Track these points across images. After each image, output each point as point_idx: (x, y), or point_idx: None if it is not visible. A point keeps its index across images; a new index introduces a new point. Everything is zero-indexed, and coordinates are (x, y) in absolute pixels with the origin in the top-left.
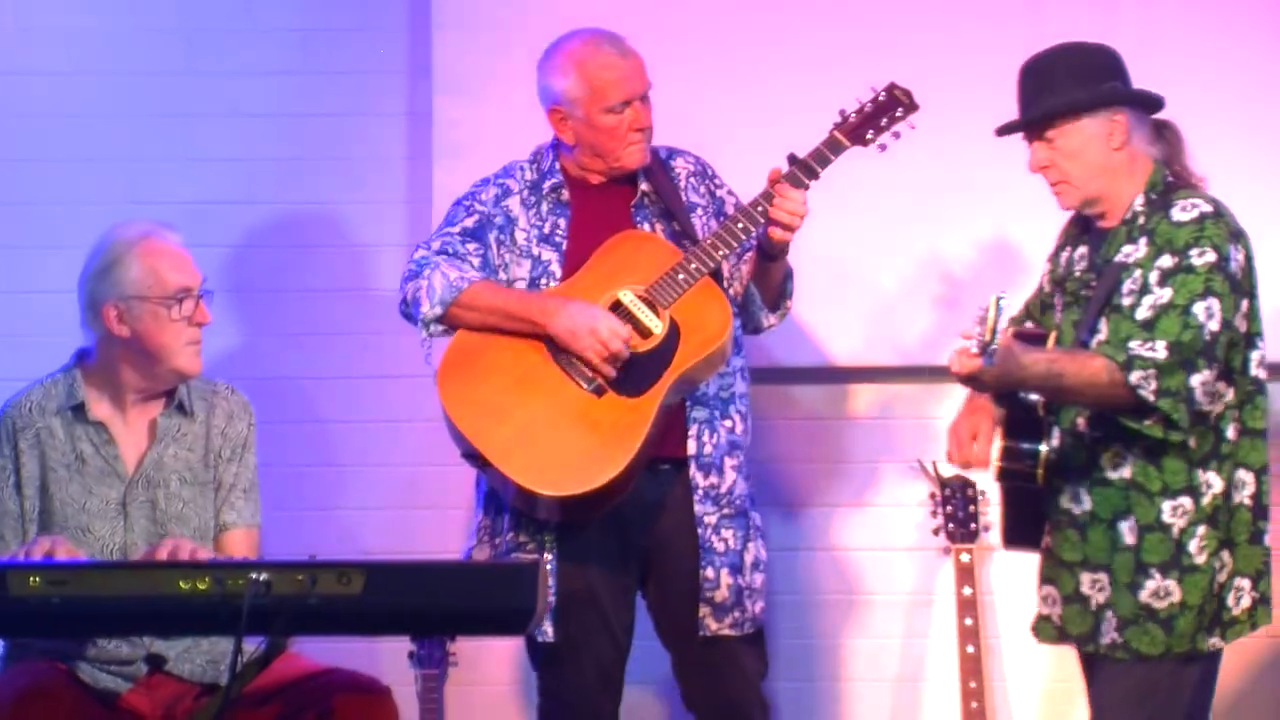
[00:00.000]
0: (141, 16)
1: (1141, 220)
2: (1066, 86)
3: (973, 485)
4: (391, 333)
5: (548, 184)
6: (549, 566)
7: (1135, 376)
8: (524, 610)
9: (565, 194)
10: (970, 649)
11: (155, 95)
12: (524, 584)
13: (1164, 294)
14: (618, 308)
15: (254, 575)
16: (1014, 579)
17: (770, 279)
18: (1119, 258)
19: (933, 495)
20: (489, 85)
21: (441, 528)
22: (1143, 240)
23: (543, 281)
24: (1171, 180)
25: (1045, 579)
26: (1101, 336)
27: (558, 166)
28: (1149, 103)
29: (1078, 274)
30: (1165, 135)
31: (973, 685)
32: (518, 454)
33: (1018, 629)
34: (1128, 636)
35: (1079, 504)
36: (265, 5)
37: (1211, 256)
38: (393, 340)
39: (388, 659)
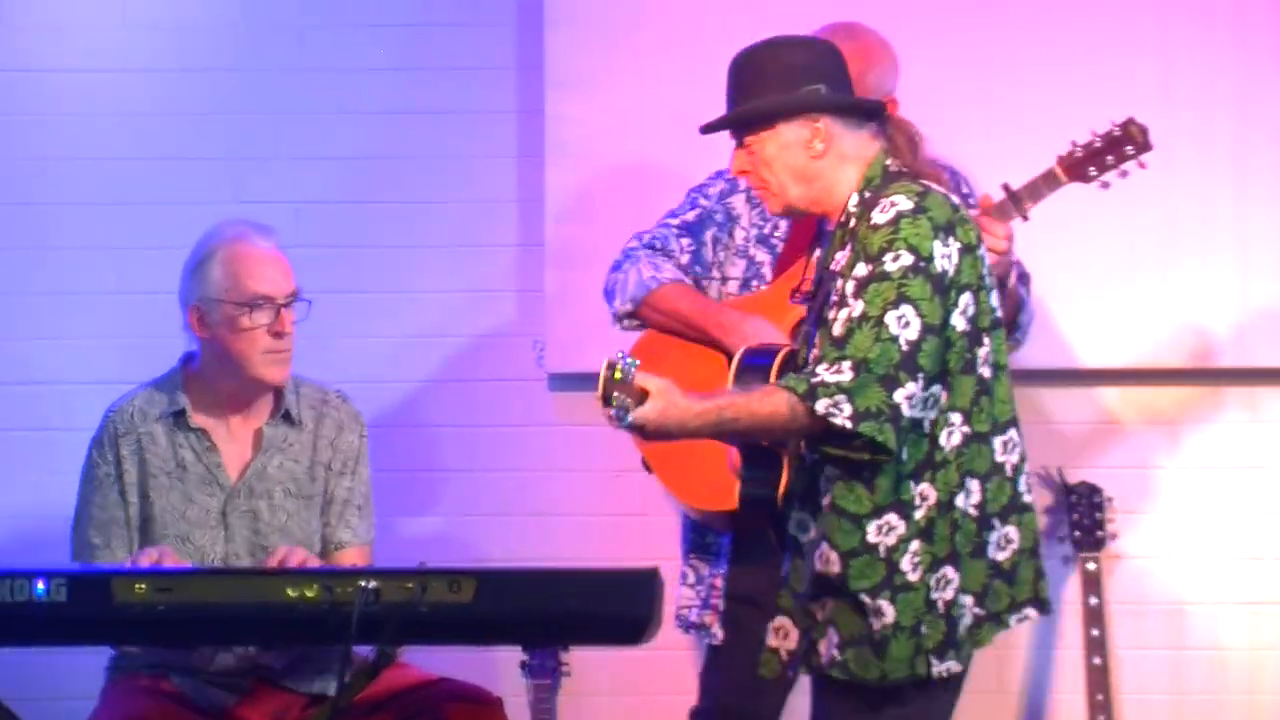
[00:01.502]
0: (248, 12)
1: (852, 223)
2: (763, 90)
3: (1099, 491)
4: (502, 335)
5: None
6: (721, 570)
7: (823, 405)
8: (641, 619)
9: None
10: (1097, 661)
11: (262, 92)
12: (641, 592)
13: (857, 306)
14: (800, 324)
15: (363, 583)
16: (1143, 588)
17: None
18: (833, 264)
19: (1059, 501)
20: (602, 81)
21: (553, 534)
22: (850, 245)
23: (754, 283)
24: (895, 172)
25: (779, 609)
26: (816, 353)
27: None
28: (858, 110)
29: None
30: (892, 134)
31: (1099, 698)
32: (678, 465)
33: (1146, 640)
34: (847, 657)
35: (804, 532)
36: (374, 1)
37: (907, 259)
38: (504, 343)
39: (499, 669)
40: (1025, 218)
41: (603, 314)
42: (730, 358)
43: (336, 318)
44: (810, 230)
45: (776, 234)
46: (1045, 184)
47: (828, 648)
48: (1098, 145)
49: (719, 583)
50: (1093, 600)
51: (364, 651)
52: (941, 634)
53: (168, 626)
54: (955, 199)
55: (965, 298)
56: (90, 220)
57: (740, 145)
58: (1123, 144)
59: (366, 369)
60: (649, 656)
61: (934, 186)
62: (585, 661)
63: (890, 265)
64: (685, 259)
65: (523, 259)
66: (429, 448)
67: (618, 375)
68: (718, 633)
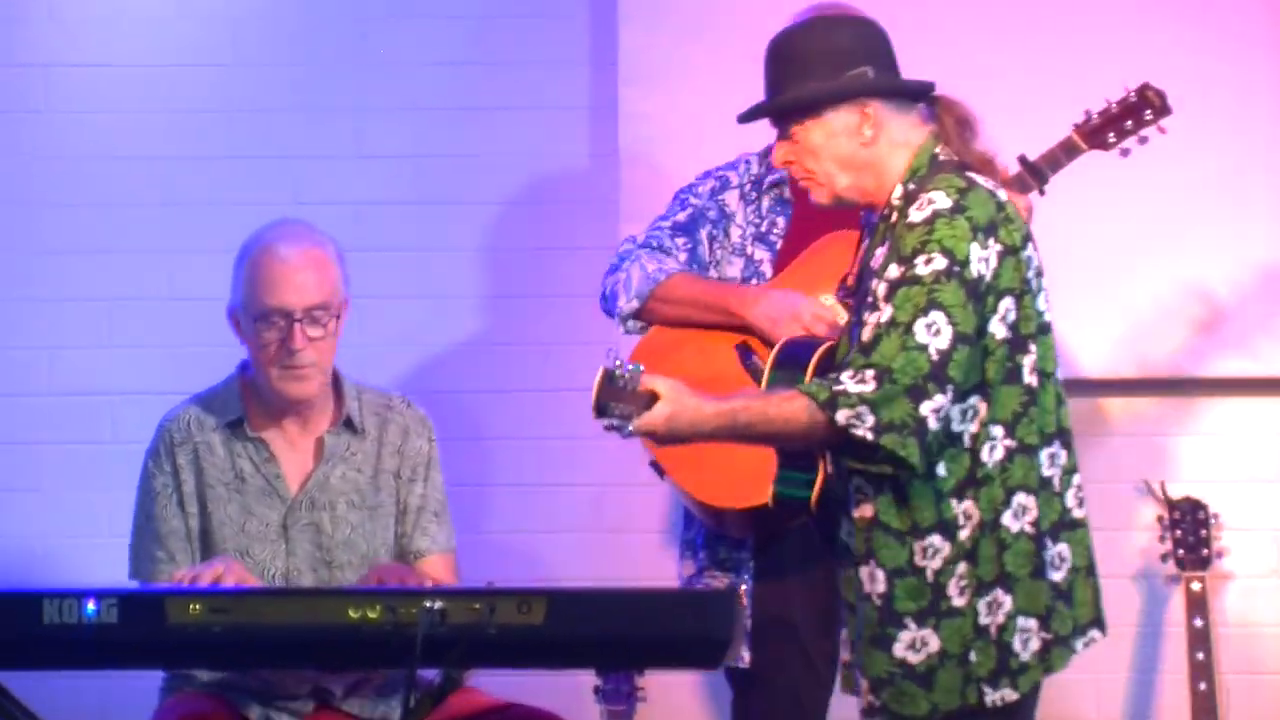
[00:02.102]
0: (308, 4)
1: (894, 217)
2: (806, 75)
3: (1204, 507)
4: (575, 342)
5: (770, 179)
6: (744, 588)
7: (843, 416)
8: (719, 641)
9: (788, 191)
10: (1203, 686)
11: (321, 87)
12: (719, 612)
13: (886, 311)
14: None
15: (428, 603)
16: (1253, 610)
17: None
18: (872, 260)
19: (1160, 518)
20: (679, 77)
21: (628, 552)
22: (889, 241)
23: (752, 281)
24: (943, 162)
25: (843, 621)
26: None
27: None
28: (907, 93)
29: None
30: (941, 116)
31: None
32: (694, 463)
33: (1256, 665)
34: (885, 699)
35: (853, 539)
36: None
37: (940, 263)
38: (576, 350)
39: (572, 694)
40: (1042, 191)
41: None
42: (741, 350)
43: (399, 324)
44: (814, 226)
45: (775, 231)
46: (1064, 153)
47: (861, 691)
48: (1115, 111)
49: (743, 601)
50: (1198, 622)
51: (429, 675)
52: (993, 660)
53: (224, 649)
54: (1002, 194)
55: (1006, 303)
56: (141, 223)
57: (783, 135)
58: (1140, 109)
59: (431, 378)
60: (722, 680)
61: (979, 180)
62: (662, 686)
63: (922, 269)
64: (683, 257)
65: (595, 262)
66: (498, 460)
67: (617, 382)
68: (745, 655)
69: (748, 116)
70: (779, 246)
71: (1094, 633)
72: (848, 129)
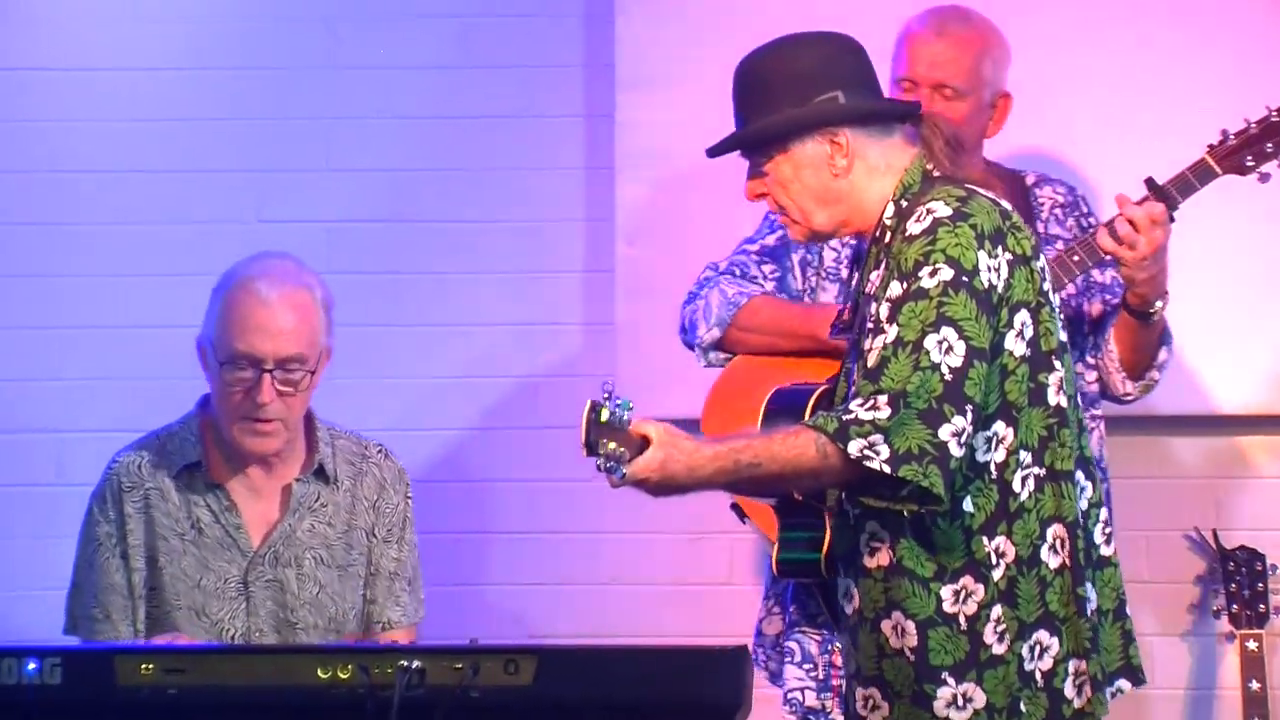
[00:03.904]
0: (272, 3)
1: (887, 237)
2: (770, 104)
3: (1262, 558)
4: (567, 374)
5: None
6: (839, 647)
7: (856, 447)
8: (728, 705)
9: None
10: None
11: (288, 94)
12: (727, 673)
13: (891, 331)
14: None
15: (405, 662)
16: None
17: (1133, 338)
18: (867, 287)
19: (1213, 569)
20: (682, 81)
21: (625, 606)
22: (885, 262)
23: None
24: (938, 177)
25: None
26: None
27: None
28: (883, 116)
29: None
30: (929, 138)
31: None
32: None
33: None
34: None
35: (850, 601)
36: None
37: (947, 273)
38: (569, 384)
39: None
40: (1171, 218)
41: (683, 350)
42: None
43: (374, 355)
44: None
45: None
46: (1196, 176)
47: None
48: (1254, 132)
49: (837, 659)
50: (1254, 684)
51: None
52: (1044, 709)
53: (180, 713)
54: (1006, 205)
55: (1021, 316)
56: (90, 243)
57: (754, 169)
58: None
59: (408, 414)
60: None
61: (980, 191)
62: None
63: (927, 281)
64: (770, 286)
65: (590, 286)
66: (480, 506)
67: (604, 419)
68: (839, 718)
69: (716, 151)
70: None
71: (1121, 682)
72: (817, 160)
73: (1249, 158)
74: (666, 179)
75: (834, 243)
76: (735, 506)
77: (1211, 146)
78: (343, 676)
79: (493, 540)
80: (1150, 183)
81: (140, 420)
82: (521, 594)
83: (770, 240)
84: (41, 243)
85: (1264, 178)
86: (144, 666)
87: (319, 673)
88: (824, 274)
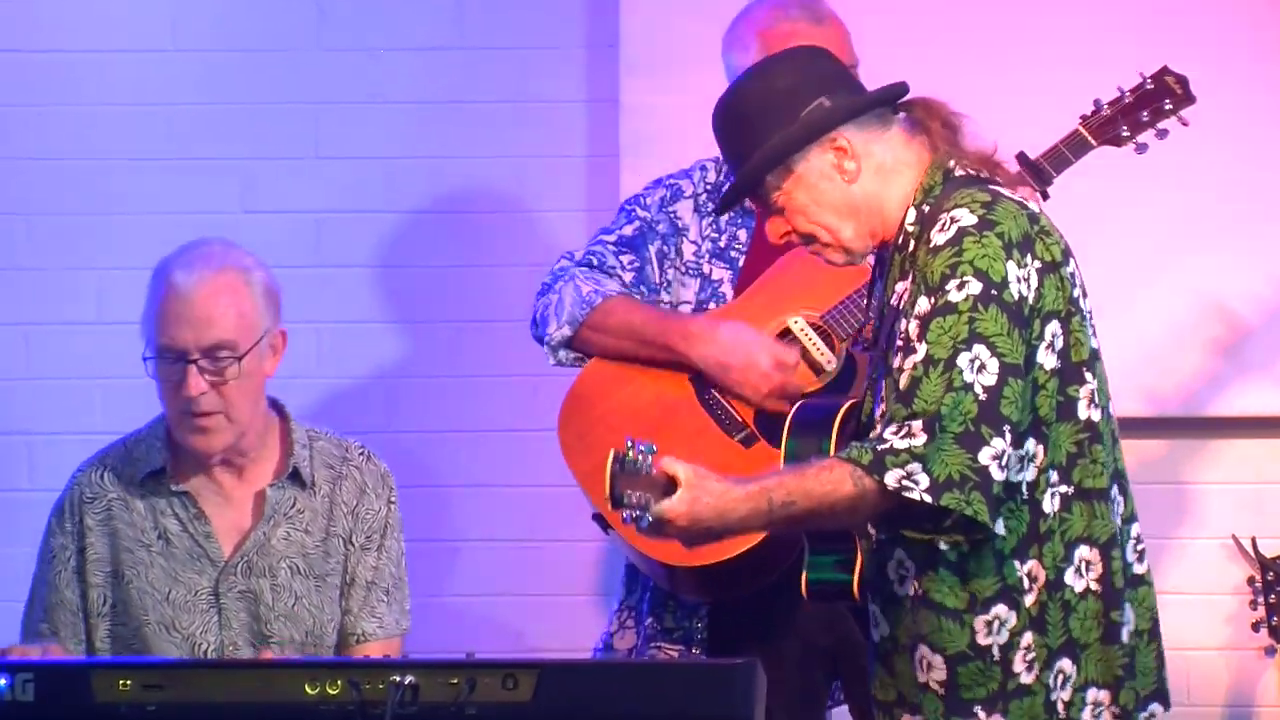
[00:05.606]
0: None
1: (911, 245)
2: (760, 134)
3: None
4: (564, 375)
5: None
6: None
7: (894, 478)
8: None
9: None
10: None
11: (274, 78)
12: (737, 688)
13: (921, 349)
14: (785, 336)
15: (397, 678)
16: None
17: None
18: (893, 298)
19: (1252, 580)
20: (688, 64)
21: None
22: (911, 273)
23: (710, 305)
24: (960, 177)
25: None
26: (883, 409)
27: None
28: (874, 105)
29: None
30: (926, 123)
31: None
32: None
33: None
34: None
35: (878, 628)
36: None
37: (975, 286)
38: (565, 385)
39: None
40: (1045, 194)
41: None
42: (696, 380)
43: (363, 352)
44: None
45: (736, 246)
46: (1070, 149)
47: None
48: (1129, 101)
49: None
50: None
51: None
52: None
53: None
54: (1034, 207)
55: (1052, 327)
56: (64, 234)
57: (770, 210)
58: (1159, 98)
59: (398, 416)
60: None
61: (1005, 192)
62: None
63: (955, 295)
64: (628, 277)
65: None
66: (478, 511)
67: (630, 465)
68: None
69: (725, 206)
70: (741, 264)
71: (1155, 707)
72: (825, 172)
73: (1124, 128)
74: (671, 166)
75: (693, 235)
76: (598, 517)
77: (1084, 117)
78: (332, 692)
79: (487, 549)
80: (1022, 157)
81: (117, 421)
82: (519, 605)
83: (628, 231)
84: (12, 234)
85: (1141, 148)
86: (122, 682)
87: (306, 688)
88: (683, 268)
